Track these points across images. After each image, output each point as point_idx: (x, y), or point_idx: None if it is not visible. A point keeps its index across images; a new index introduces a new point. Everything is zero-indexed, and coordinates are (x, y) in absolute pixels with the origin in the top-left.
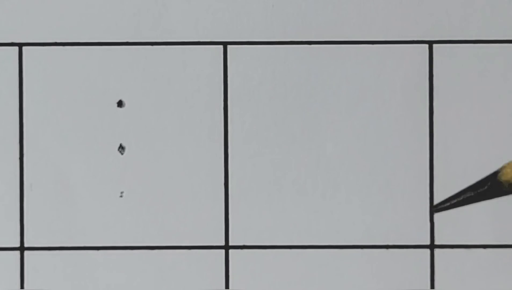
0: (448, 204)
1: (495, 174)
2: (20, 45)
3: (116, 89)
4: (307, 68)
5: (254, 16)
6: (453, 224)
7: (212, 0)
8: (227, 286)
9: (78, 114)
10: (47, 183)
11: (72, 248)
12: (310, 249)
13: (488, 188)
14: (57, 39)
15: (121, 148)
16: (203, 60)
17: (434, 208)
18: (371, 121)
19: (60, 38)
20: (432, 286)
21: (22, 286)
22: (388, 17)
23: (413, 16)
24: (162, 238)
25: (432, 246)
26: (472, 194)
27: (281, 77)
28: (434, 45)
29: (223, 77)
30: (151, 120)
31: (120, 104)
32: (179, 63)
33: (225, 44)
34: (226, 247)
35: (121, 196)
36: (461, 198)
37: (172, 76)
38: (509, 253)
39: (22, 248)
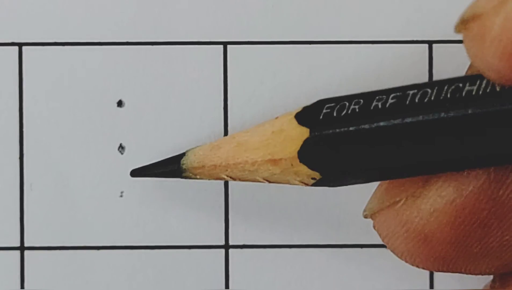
0: (140, 173)
1: (180, 156)
2: (20, 45)
3: (116, 89)
4: (307, 68)
5: (254, 16)
6: None
7: (212, 0)
8: (227, 286)
9: (78, 114)
10: (47, 183)
11: (72, 248)
12: (310, 249)
13: (174, 169)
14: (57, 39)
15: (121, 148)
16: (203, 60)
17: (131, 173)
18: None
19: (60, 38)
20: (432, 286)
21: (22, 286)
22: (388, 17)
23: (413, 16)
24: (162, 238)
25: None
26: (162, 170)
27: (281, 77)
28: (434, 45)
29: (223, 77)
30: (151, 120)
31: (120, 104)
32: (179, 63)
33: (225, 44)
34: (226, 247)
35: (121, 196)
36: (154, 171)
37: (172, 76)
38: None
39: (22, 248)
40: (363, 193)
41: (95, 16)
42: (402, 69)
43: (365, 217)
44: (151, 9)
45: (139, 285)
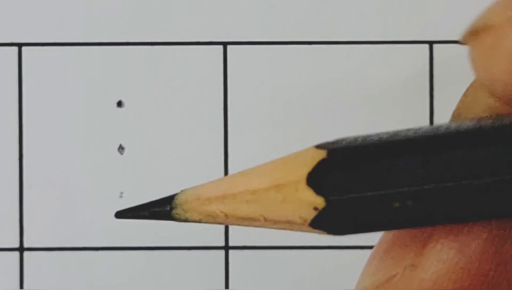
0: (130, 214)
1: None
2: (20, 45)
3: (116, 89)
4: (307, 68)
5: (254, 16)
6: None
7: (212, 0)
8: (227, 286)
9: (78, 114)
10: (47, 183)
11: (72, 248)
12: (310, 249)
13: (164, 210)
14: (57, 39)
15: (121, 148)
16: (203, 60)
17: (117, 214)
18: (371, 121)
19: (60, 38)
20: None
21: (21, 286)
22: (388, 17)
23: (413, 16)
24: (162, 238)
25: None
26: (148, 213)
27: (281, 77)
28: (434, 45)
29: (223, 77)
30: (151, 120)
31: (120, 104)
32: (179, 63)
33: (225, 44)
34: (226, 248)
35: (121, 196)
36: (140, 213)
37: (172, 76)
38: None
39: (21, 248)
40: None
41: (95, 16)
42: (402, 69)
43: None
44: (151, 9)
45: (139, 286)
